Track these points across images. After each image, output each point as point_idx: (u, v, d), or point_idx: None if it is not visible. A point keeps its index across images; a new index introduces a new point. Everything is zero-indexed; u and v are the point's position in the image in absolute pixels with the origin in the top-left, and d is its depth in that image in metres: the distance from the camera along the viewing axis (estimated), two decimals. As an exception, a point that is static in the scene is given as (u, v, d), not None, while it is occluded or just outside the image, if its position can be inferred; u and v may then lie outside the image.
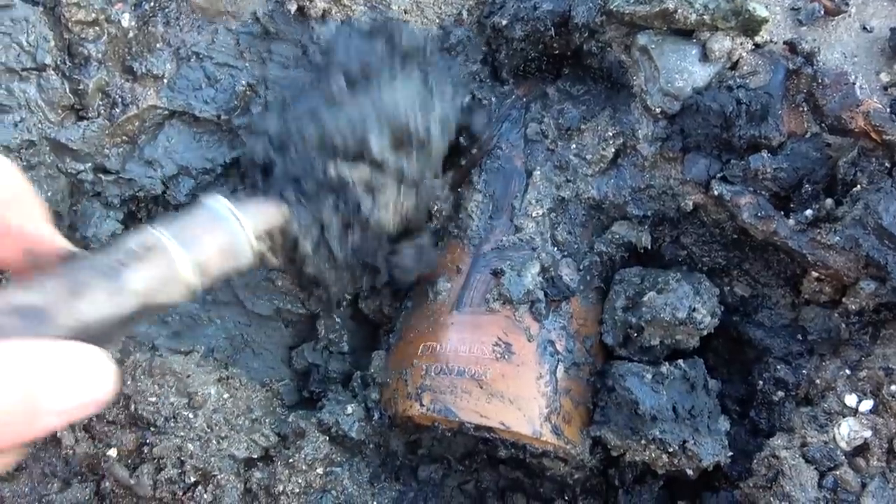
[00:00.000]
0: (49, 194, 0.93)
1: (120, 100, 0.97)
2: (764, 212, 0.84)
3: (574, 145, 0.94)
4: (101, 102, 0.96)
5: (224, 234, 0.61)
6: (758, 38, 0.88)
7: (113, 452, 0.91)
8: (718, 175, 0.87)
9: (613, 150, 0.92)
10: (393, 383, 0.90)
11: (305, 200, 0.74)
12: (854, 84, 0.82)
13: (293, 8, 0.97)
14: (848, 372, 0.83)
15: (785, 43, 0.88)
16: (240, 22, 1.00)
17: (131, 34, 0.97)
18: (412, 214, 0.84)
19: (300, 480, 0.88)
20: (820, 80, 0.84)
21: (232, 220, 0.62)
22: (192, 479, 0.89)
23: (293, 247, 0.74)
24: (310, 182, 0.76)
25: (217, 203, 0.62)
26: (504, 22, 0.94)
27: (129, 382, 0.91)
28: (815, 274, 0.85)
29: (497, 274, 0.87)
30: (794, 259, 0.86)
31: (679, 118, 0.88)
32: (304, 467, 0.88)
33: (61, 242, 0.54)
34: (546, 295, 0.87)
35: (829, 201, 0.83)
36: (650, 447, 0.81)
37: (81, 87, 0.94)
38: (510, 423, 0.81)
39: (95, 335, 0.49)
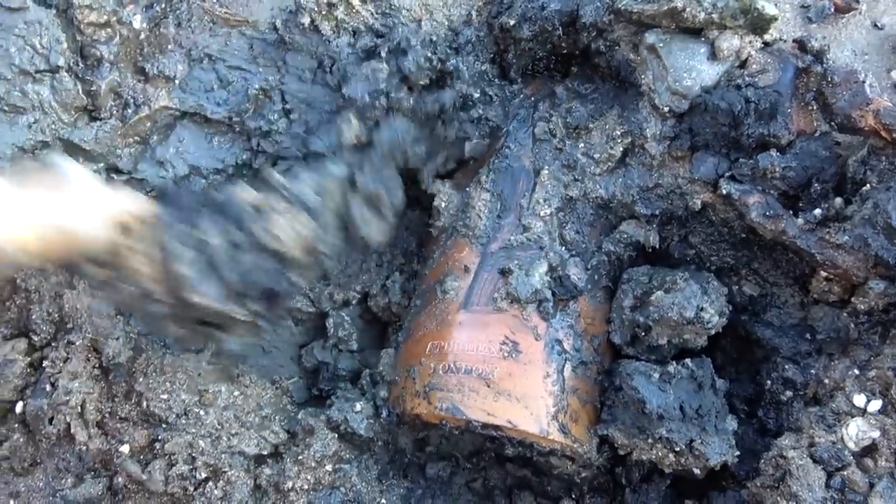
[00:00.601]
0: (63, 194, 0.95)
1: (132, 100, 0.98)
2: (772, 211, 0.83)
3: (582, 144, 0.94)
4: (113, 103, 0.97)
5: (64, 192, 0.53)
6: (767, 37, 0.87)
7: (125, 448, 0.92)
8: (727, 174, 0.86)
9: (621, 148, 0.91)
10: (401, 381, 0.90)
11: (180, 215, 0.68)
12: (864, 82, 0.82)
13: (306, 21, 0.98)
14: (857, 372, 0.82)
15: (794, 41, 0.87)
16: (255, 29, 1.01)
17: (143, 35, 0.98)
18: (318, 245, 0.79)
19: (309, 477, 0.89)
20: (829, 79, 0.83)
21: (81, 183, 0.54)
22: (203, 475, 0.90)
23: (167, 266, 0.66)
24: (188, 197, 0.72)
25: (69, 162, 0.55)
26: (512, 22, 0.94)
27: (141, 380, 0.93)
28: (823, 273, 0.84)
29: (505, 273, 0.88)
30: (803, 258, 0.85)
31: (687, 117, 0.88)
32: (313, 464, 0.89)
33: None
34: (554, 294, 0.87)
35: (838, 200, 0.82)
36: (657, 446, 0.81)
37: (94, 88, 0.95)
38: (517, 422, 0.82)
39: None
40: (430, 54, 0.89)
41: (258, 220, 0.72)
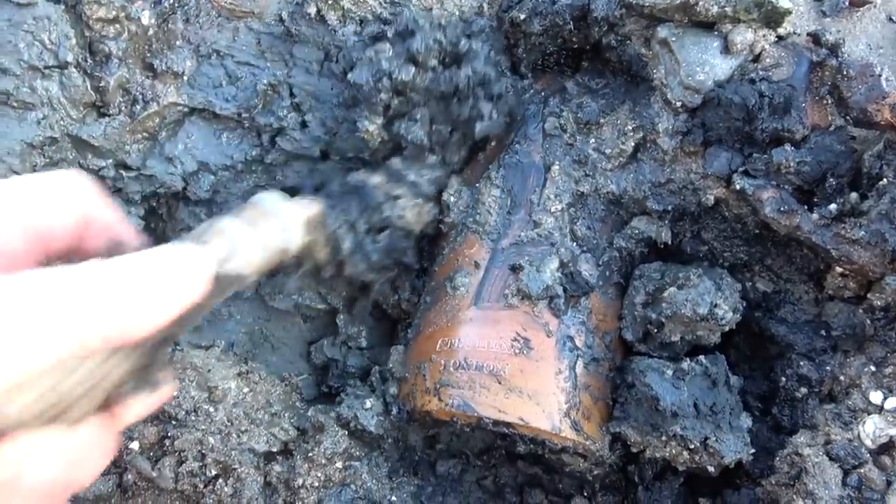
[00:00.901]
0: (72, 190, 0.94)
1: (140, 97, 0.97)
2: (787, 206, 0.82)
3: (593, 139, 0.93)
4: (121, 99, 0.97)
5: (276, 220, 0.67)
6: (781, 30, 0.86)
7: (135, 445, 0.92)
8: (740, 169, 0.85)
9: (633, 144, 0.91)
10: (411, 378, 0.90)
11: (333, 202, 0.83)
12: (880, 76, 0.81)
13: (312, 11, 0.97)
14: (873, 368, 0.82)
15: (808, 35, 0.86)
16: (262, 22, 1.00)
17: (151, 31, 0.98)
18: (429, 218, 0.94)
19: (319, 474, 0.89)
20: (845, 72, 0.82)
21: (282, 208, 0.69)
22: (213, 472, 0.90)
23: (334, 245, 0.82)
24: (335, 185, 0.86)
25: (266, 195, 0.70)
26: (522, 16, 0.94)
27: (150, 376, 0.92)
28: (839, 269, 0.84)
29: (515, 269, 0.87)
30: (818, 254, 0.85)
31: (700, 112, 0.87)
32: (323, 461, 0.89)
33: (140, 237, 0.58)
34: (565, 290, 0.87)
35: (853, 195, 0.81)
36: (671, 444, 0.80)
37: (103, 84, 0.95)
38: (529, 419, 0.81)
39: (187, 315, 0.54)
40: (440, 36, 0.88)
41: (389, 205, 0.87)
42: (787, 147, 0.83)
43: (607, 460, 0.87)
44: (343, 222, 0.83)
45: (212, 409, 0.92)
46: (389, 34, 0.89)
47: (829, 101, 0.85)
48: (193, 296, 0.51)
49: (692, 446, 0.79)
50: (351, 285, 0.93)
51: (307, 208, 0.75)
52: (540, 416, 0.81)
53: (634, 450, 0.84)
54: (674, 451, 0.80)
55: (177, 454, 0.91)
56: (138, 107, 0.97)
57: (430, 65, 0.88)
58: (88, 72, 0.95)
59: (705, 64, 0.86)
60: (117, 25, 0.95)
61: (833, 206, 0.81)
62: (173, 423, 0.91)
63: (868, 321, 0.83)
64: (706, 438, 0.79)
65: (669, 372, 0.82)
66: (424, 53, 0.87)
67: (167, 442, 0.91)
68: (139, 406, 0.53)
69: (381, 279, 0.92)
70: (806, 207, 0.83)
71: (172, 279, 0.49)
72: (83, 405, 0.49)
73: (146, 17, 0.97)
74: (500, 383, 0.82)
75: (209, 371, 0.94)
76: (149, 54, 0.98)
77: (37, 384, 0.45)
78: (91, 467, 0.51)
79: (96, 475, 0.52)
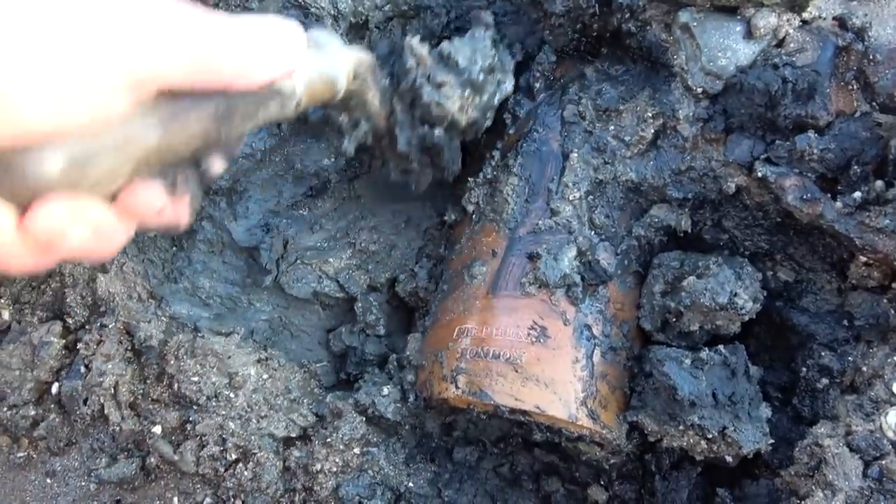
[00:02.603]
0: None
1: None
2: (810, 194, 0.81)
3: (612, 127, 0.92)
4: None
5: (325, 57, 0.67)
6: (805, 14, 0.85)
7: (158, 429, 0.94)
8: (762, 156, 0.84)
9: (653, 131, 0.90)
10: (428, 366, 0.90)
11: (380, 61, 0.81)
12: (908, 60, 0.79)
13: None
14: (897, 359, 0.80)
15: (834, 18, 0.85)
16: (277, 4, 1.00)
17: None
18: (478, 115, 0.88)
19: (337, 460, 0.90)
20: (872, 57, 0.81)
21: (334, 44, 0.68)
22: (234, 457, 0.91)
23: (384, 104, 0.80)
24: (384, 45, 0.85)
25: (320, 32, 0.69)
26: (544, -4, 0.92)
27: (172, 362, 0.94)
28: (863, 258, 0.82)
29: (533, 258, 0.87)
30: (841, 243, 0.83)
31: (722, 98, 0.86)
32: (341, 447, 0.90)
33: None
34: (583, 279, 0.86)
35: (879, 183, 0.80)
36: (688, 433, 0.80)
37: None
38: (546, 407, 0.81)
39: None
40: None
41: (430, 90, 0.82)
42: (811, 134, 0.81)
43: (624, 449, 0.87)
44: (388, 80, 0.80)
45: (232, 395, 0.93)
46: None
47: (855, 87, 0.83)
48: (291, 64, 0.54)
49: (710, 436, 0.79)
50: (396, 162, 0.89)
51: (358, 53, 0.74)
52: (556, 404, 0.81)
53: (652, 439, 0.83)
54: (691, 441, 0.80)
55: (198, 438, 0.92)
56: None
57: None
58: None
59: (727, 49, 0.85)
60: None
61: (857, 194, 0.80)
62: (195, 408, 0.93)
63: (892, 311, 0.82)
64: (724, 428, 0.78)
65: (688, 361, 0.81)
66: None
67: (189, 426, 0.93)
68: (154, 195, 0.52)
69: (418, 173, 0.89)
70: (829, 195, 0.81)
71: (280, 37, 0.52)
72: (115, 179, 0.49)
73: None
74: (516, 371, 0.83)
75: (230, 357, 0.95)
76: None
77: (73, 145, 0.44)
78: (113, 243, 0.50)
79: (114, 254, 0.51)
